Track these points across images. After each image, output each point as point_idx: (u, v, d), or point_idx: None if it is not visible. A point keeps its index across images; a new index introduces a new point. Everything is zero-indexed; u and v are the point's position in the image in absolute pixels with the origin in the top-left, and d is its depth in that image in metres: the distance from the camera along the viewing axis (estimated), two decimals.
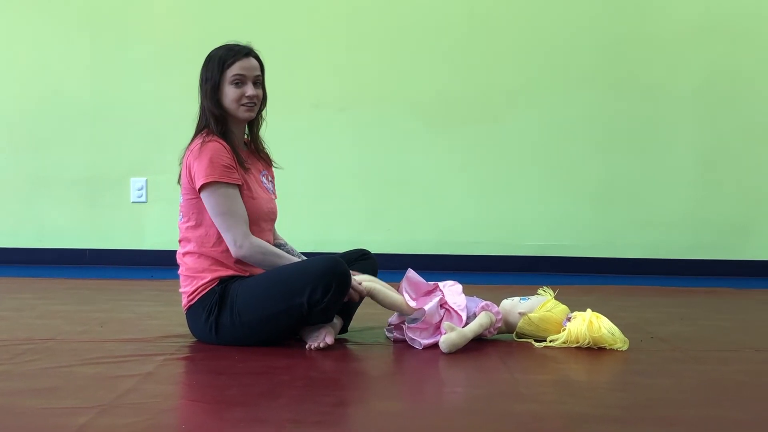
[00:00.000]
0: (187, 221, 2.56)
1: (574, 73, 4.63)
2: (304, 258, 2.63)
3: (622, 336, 2.55)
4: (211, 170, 2.45)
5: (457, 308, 2.53)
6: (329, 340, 2.48)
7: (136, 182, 4.72)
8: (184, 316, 2.60)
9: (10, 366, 2.24)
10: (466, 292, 2.67)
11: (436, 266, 4.57)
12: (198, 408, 1.94)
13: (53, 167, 4.75)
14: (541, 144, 4.66)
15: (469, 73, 4.65)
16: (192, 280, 2.53)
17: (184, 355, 2.41)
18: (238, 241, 2.46)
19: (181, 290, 2.59)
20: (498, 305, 2.65)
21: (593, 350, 2.52)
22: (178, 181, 2.63)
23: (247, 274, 2.53)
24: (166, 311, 3.14)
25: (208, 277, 2.50)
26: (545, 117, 4.64)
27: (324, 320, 2.51)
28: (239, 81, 2.53)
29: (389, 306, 2.55)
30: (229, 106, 2.54)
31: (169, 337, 2.63)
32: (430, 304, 2.51)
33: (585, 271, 4.64)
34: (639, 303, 3.56)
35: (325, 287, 2.38)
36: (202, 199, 2.49)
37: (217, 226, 2.49)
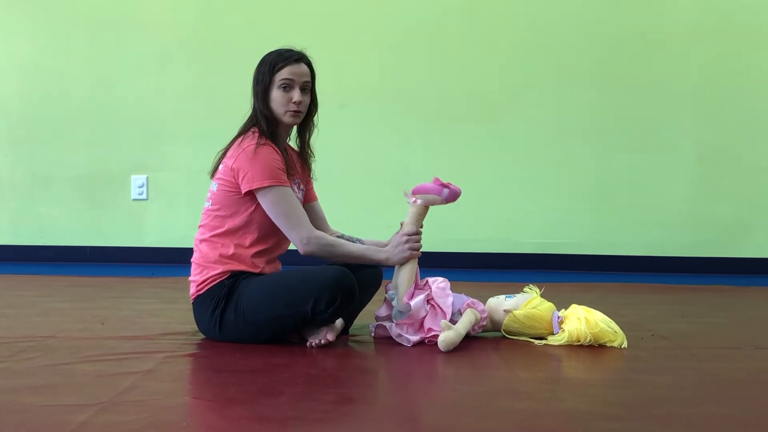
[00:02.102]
0: (218, 209, 2.55)
1: (573, 71, 4.63)
2: (362, 242, 2.67)
3: (617, 327, 2.55)
4: (269, 173, 2.47)
5: (443, 305, 2.54)
6: (330, 337, 2.48)
7: (137, 180, 4.72)
8: (190, 307, 2.59)
9: (10, 363, 2.24)
10: (463, 289, 2.67)
11: (435, 264, 4.56)
12: (199, 405, 1.94)
13: (54, 165, 4.75)
14: (541, 142, 4.66)
15: (469, 71, 4.65)
16: (203, 269, 2.53)
17: (185, 353, 2.41)
18: (304, 239, 2.50)
19: (190, 278, 2.58)
20: (484, 303, 2.66)
21: (593, 348, 2.52)
22: (210, 173, 2.62)
23: (258, 271, 2.54)
24: (166, 308, 3.14)
25: (220, 269, 2.50)
26: (545, 115, 4.65)
27: (327, 323, 2.52)
28: (287, 86, 2.55)
29: (400, 281, 2.56)
30: (276, 110, 2.56)
31: (169, 335, 2.63)
32: (416, 299, 2.52)
33: (585, 268, 4.64)
34: (639, 300, 3.56)
35: (330, 299, 2.39)
36: (260, 201, 2.50)
37: (280, 227, 2.51)
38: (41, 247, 4.78)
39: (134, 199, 4.74)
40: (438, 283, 2.61)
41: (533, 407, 1.90)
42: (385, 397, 2.10)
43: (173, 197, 4.72)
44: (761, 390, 2.10)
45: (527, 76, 4.65)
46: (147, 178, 4.72)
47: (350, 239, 2.70)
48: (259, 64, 2.60)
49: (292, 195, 2.52)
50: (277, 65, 2.55)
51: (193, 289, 2.56)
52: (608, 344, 2.53)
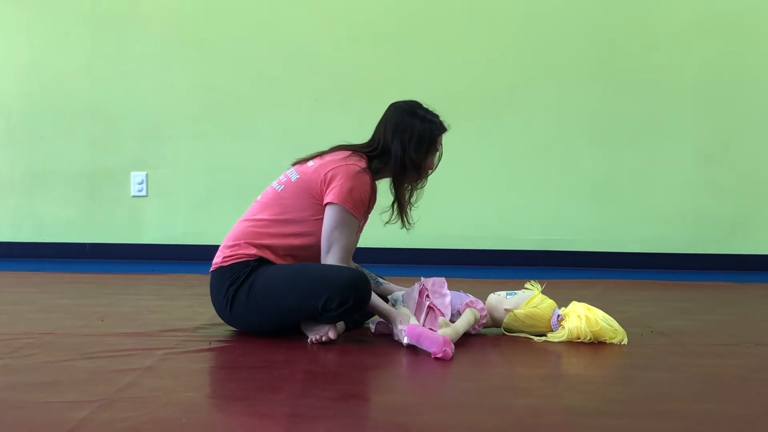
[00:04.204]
0: (286, 198, 2.57)
1: (574, 68, 4.63)
2: (384, 281, 2.74)
3: (617, 325, 2.55)
4: (353, 200, 2.51)
5: (441, 306, 2.55)
6: (332, 334, 2.48)
7: (137, 176, 4.72)
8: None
9: (10, 360, 2.24)
10: (464, 286, 2.67)
11: (436, 261, 4.57)
12: (198, 402, 1.94)
13: (54, 162, 4.75)
14: (541, 139, 4.66)
15: (470, 69, 4.65)
16: (237, 246, 2.54)
17: (185, 350, 2.41)
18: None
19: (221, 246, 2.59)
20: (485, 300, 2.65)
21: (593, 344, 2.52)
22: (295, 161, 2.65)
23: (289, 262, 2.55)
24: (166, 305, 3.14)
25: (254, 251, 2.52)
26: (546, 112, 4.65)
27: (331, 323, 2.52)
28: (436, 152, 2.69)
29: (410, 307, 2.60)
30: (422, 170, 2.67)
31: (169, 331, 2.63)
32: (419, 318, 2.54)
33: (585, 265, 4.64)
34: (639, 297, 3.56)
35: (342, 299, 2.40)
36: (326, 211, 2.53)
37: (322, 242, 2.54)
38: (41, 244, 4.78)
39: (134, 196, 4.74)
40: (433, 285, 2.60)
41: (533, 404, 1.90)
42: (384, 394, 2.10)
43: (173, 194, 4.72)
44: (761, 387, 2.10)
45: (528, 74, 4.64)
46: (146, 174, 4.72)
47: (369, 275, 2.73)
48: (417, 119, 2.67)
49: (354, 229, 2.56)
50: (439, 133, 2.67)
51: (218, 259, 2.57)
52: (608, 341, 2.53)
